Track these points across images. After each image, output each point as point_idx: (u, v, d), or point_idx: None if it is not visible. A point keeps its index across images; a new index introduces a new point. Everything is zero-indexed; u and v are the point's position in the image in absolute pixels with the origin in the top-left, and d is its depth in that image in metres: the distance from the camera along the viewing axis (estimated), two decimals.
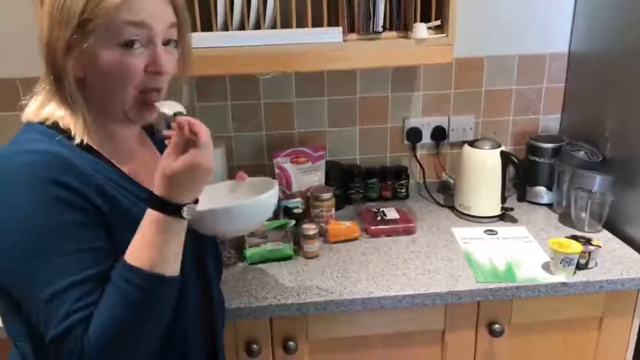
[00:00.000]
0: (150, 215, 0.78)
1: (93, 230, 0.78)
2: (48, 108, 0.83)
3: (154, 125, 0.99)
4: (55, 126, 0.82)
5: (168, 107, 0.86)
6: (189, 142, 0.78)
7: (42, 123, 0.83)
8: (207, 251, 1.00)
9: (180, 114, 0.83)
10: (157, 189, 0.79)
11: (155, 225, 0.78)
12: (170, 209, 0.78)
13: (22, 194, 0.75)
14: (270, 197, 0.96)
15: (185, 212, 0.79)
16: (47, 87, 0.83)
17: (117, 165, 0.86)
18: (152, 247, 0.77)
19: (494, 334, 1.29)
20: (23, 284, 0.76)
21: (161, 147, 1.01)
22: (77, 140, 0.81)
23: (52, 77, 0.81)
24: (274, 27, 1.33)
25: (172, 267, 0.79)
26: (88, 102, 0.83)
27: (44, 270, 0.75)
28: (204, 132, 0.78)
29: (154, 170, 0.95)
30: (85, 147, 0.82)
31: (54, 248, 0.75)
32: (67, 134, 0.82)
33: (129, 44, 0.80)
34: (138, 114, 0.86)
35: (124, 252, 0.79)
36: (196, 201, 0.81)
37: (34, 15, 1.19)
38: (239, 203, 0.96)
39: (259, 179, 1.07)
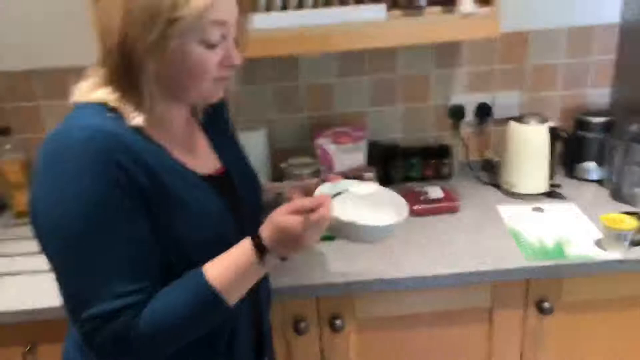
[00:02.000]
0: (246, 245, 0.84)
1: (143, 219, 0.80)
2: (100, 91, 0.84)
3: (197, 109, 1.00)
4: (104, 105, 0.82)
5: (330, 188, 0.96)
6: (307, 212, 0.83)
7: (91, 103, 0.83)
8: (248, 231, 1.01)
9: (338, 194, 0.94)
10: (263, 228, 0.85)
11: (243, 256, 0.83)
12: (261, 250, 0.83)
13: (81, 171, 0.76)
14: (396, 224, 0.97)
15: (266, 260, 0.83)
16: (107, 75, 0.82)
17: (166, 147, 0.88)
18: (231, 272, 0.83)
19: (543, 312, 1.28)
20: (71, 258, 0.77)
21: (208, 128, 1.02)
22: (132, 122, 0.82)
23: (123, 72, 0.80)
24: (316, 6, 1.32)
25: (234, 298, 0.84)
26: (157, 89, 0.83)
27: (94, 248, 0.77)
28: (318, 214, 0.82)
29: (200, 153, 0.97)
30: (135, 128, 0.83)
31: (109, 230, 0.77)
32: (117, 113, 0.82)
33: (213, 45, 0.83)
34: (213, 96, 0.90)
35: (166, 234, 0.82)
36: (283, 258, 0.86)
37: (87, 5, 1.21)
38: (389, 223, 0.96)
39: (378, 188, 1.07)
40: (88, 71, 0.87)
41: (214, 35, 0.82)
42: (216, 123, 1.04)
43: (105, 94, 0.83)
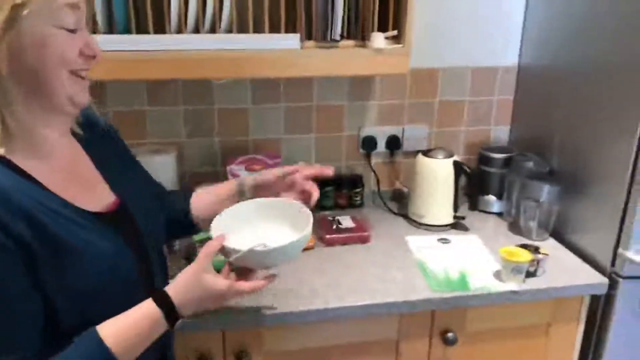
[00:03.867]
0: (150, 309, 0.81)
1: (21, 276, 0.72)
2: None
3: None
4: None
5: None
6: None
7: None
8: (154, 264, 0.95)
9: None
10: (174, 287, 0.84)
11: (147, 320, 0.81)
12: (171, 314, 0.83)
13: None
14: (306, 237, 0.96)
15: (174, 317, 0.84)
16: None
17: (45, 184, 0.77)
18: (127, 329, 0.79)
19: (447, 342, 1.31)
20: None
21: (94, 155, 0.92)
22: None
23: None
24: (230, 31, 1.30)
25: (130, 357, 0.81)
26: (16, 97, 0.74)
27: None
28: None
29: (89, 184, 0.88)
30: (9, 166, 0.73)
31: None
32: None
33: (71, 30, 0.75)
34: (80, 96, 0.80)
35: (55, 285, 0.74)
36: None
37: None
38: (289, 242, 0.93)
39: (277, 200, 1.07)
40: None
41: (69, 19, 0.75)
42: (103, 149, 0.94)
43: None
